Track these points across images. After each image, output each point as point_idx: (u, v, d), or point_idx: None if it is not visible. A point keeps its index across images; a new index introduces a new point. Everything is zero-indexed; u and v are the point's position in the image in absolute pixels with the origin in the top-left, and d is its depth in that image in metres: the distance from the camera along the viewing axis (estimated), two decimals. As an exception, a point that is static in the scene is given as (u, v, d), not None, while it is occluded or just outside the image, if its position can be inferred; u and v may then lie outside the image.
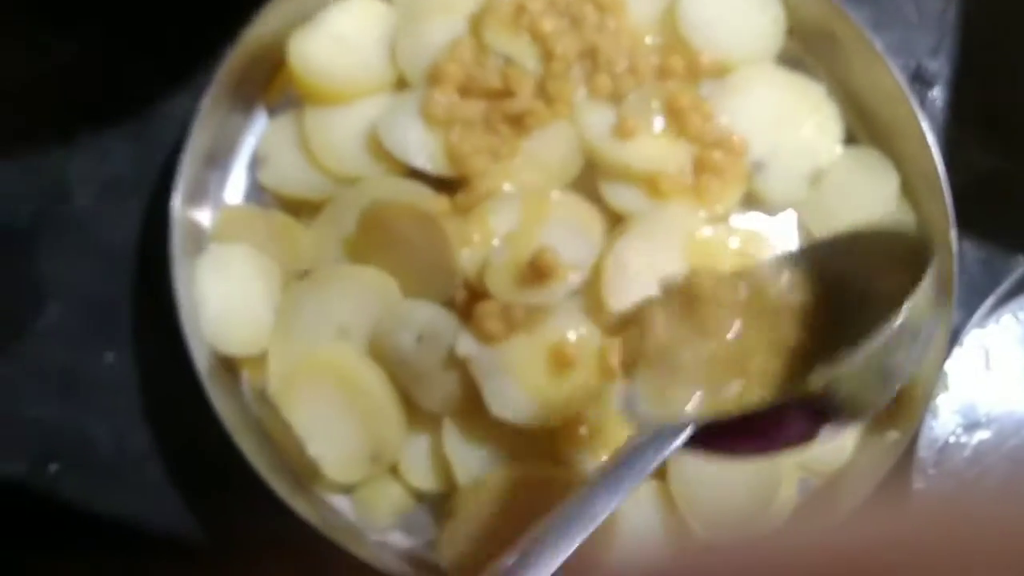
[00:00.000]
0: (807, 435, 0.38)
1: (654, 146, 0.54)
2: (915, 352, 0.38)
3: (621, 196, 0.53)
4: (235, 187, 0.57)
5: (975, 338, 0.57)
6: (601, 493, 0.36)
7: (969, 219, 0.55)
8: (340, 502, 0.52)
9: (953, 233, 0.53)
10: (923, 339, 0.38)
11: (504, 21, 0.55)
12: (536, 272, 0.47)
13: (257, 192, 0.56)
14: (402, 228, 0.50)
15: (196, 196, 0.54)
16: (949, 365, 0.55)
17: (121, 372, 0.55)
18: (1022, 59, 0.61)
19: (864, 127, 0.58)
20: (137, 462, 0.54)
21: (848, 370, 0.36)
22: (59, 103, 0.58)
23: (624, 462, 0.37)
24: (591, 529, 0.35)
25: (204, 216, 0.55)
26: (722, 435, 0.38)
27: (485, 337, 0.48)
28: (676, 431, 0.37)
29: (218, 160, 0.56)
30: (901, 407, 0.53)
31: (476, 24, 0.55)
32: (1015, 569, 0.28)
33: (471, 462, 0.50)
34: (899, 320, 0.36)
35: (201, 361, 0.50)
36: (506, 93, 0.54)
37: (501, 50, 0.55)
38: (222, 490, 0.51)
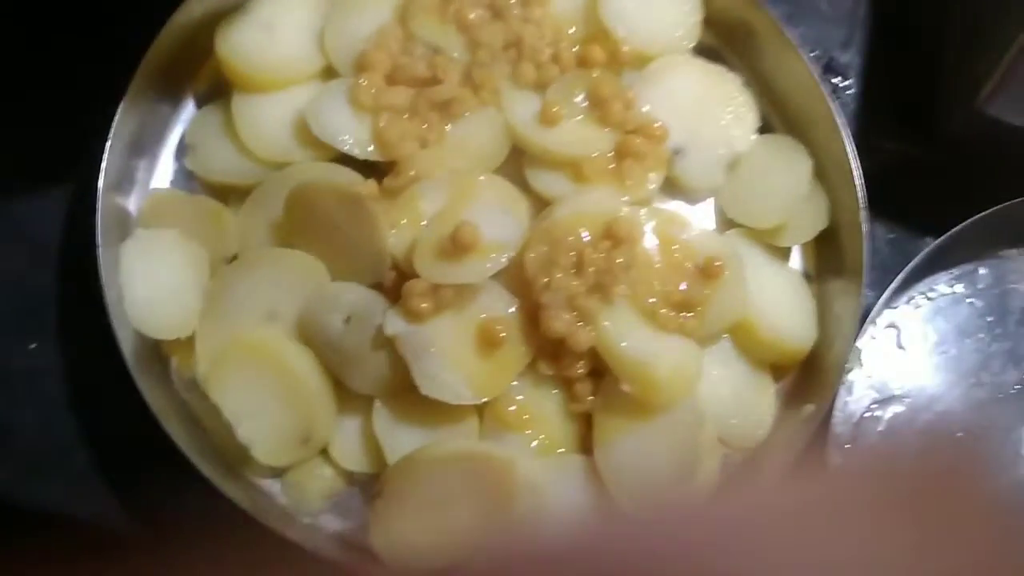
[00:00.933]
0: None
1: (577, 132, 0.55)
2: None
3: (546, 181, 0.55)
4: (163, 174, 0.57)
5: (886, 316, 0.60)
6: None
7: (879, 202, 0.57)
8: (271, 486, 0.53)
9: (864, 215, 0.55)
10: None
11: (430, 11, 0.56)
12: (457, 245, 0.48)
13: (185, 180, 0.57)
14: (329, 210, 0.50)
15: (123, 183, 0.55)
16: (862, 342, 0.58)
17: (46, 360, 0.54)
18: (928, 51, 0.64)
19: (779, 115, 0.60)
20: (63, 451, 0.53)
21: None
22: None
23: None
24: None
25: (131, 203, 0.55)
26: None
27: (413, 316, 0.49)
28: None
29: (145, 147, 0.56)
30: (816, 381, 0.55)
31: (403, 13, 0.56)
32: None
33: (401, 443, 0.51)
34: None
35: (127, 347, 0.50)
36: (433, 81, 0.55)
37: (428, 39, 0.56)
38: (151, 477, 0.51)
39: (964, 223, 0.57)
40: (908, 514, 0.29)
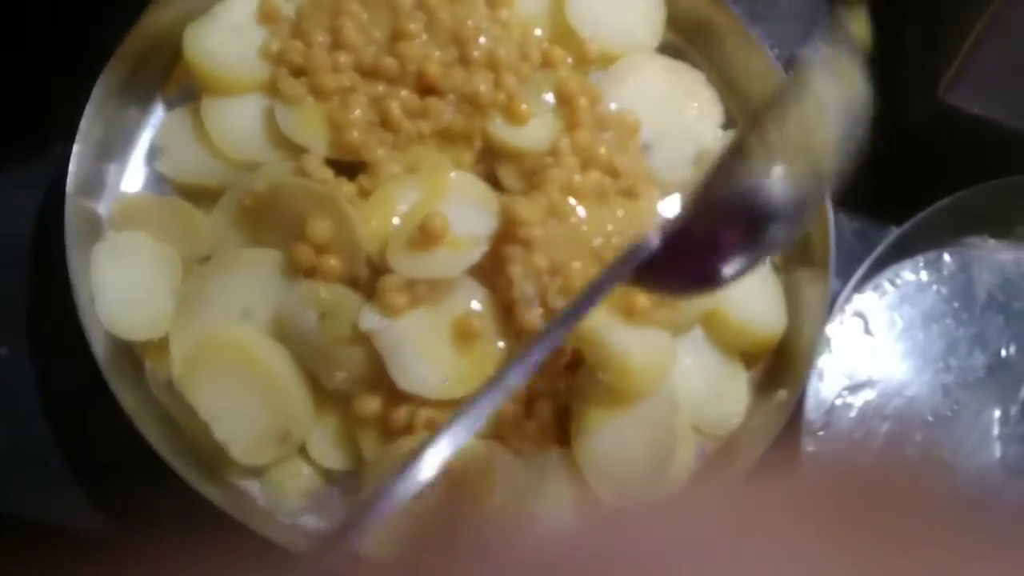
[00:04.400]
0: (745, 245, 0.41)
1: (545, 130, 0.56)
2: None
3: (516, 177, 0.55)
4: (134, 178, 0.57)
5: (854, 304, 0.61)
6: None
7: (843, 193, 0.58)
8: (250, 486, 0.52)
9: (828, 205, 0.56)
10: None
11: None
12: (426, 235, 0.48)
13: (157, 184, 0.56)
14: (301, 209, 0.50)
15: (93, 187, 0.54)
16: (830, 329, 0.59)
17: (17, 366, 0.54)
18: (886, 44, 0.65)
19: (743, 112, 0.61)
20: (36, 457, 0.53)
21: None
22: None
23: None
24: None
25: (102, 207, 0.55)
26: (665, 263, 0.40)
27: (388, 311, 0.49)
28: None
29: (115, 152, 0.56)
30: (787, 368, 0.56)
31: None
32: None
33: (379, 439, 0.51)
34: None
35: (100, 350, 0.50)
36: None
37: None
38: (128, 481, 0.50)
39: (927, 211, 0.58)
40: (866, 527, 0.29)
